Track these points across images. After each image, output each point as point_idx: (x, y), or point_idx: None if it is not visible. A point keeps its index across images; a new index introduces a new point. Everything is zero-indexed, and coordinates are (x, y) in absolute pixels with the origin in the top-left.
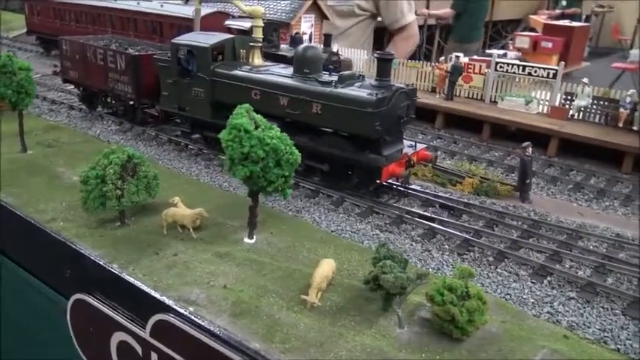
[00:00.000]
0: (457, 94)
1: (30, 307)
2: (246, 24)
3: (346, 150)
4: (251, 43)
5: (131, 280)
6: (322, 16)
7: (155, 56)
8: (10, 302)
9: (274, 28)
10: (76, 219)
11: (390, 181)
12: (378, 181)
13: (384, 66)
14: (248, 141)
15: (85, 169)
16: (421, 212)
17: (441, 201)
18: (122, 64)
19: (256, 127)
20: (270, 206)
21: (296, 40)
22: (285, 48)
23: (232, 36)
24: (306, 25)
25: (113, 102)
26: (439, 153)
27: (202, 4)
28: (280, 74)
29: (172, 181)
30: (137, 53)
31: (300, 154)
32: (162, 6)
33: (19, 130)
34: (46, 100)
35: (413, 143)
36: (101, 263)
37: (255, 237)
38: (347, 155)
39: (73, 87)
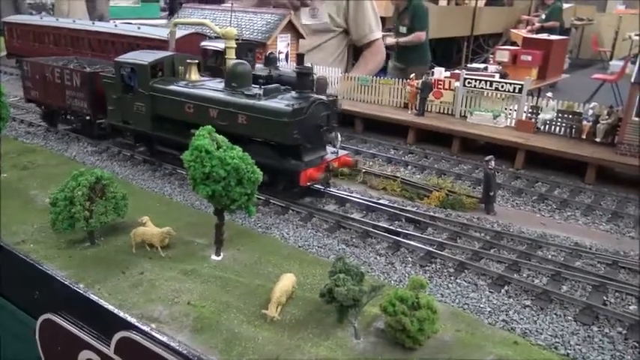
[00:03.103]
0: (429, 110)
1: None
2: (221, 45)
3: (270, 157)
4: (187, 61)
5: (96, 299)
6: (298, 35)
7: (101, 74)
8: None
9: (249, 49)
10: (47, 240)
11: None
12: (299, 185)
13: (303, 80)
14: (209, 161)
15: (54, 192)
16: (387, 226)
17: (407, 215)
18: (78, 81)
19: (218, 148)
20: (240, 224)
21: (270, 60)
22: (259, 68)
23: (172, 54)
24: (283, 45)
25: (71, 118)
26: (410, 167)
27: (178, 26)
28: (212, 88)
29: (145, 201)
30: (91, 71)
31: (262, 173)
32: (139, 28)
33: None
34: (23, 123)
35: (336, 150)
36: (67, 283)
37: (222, 254)
38: (270, 162)
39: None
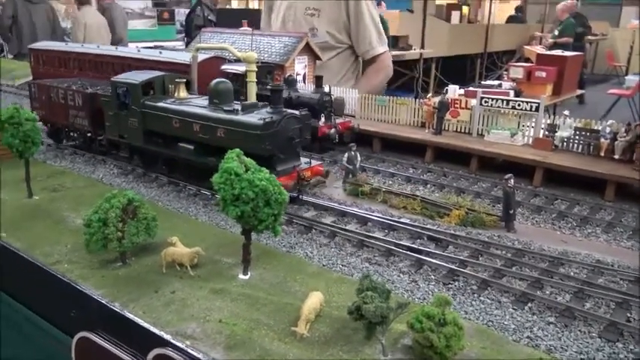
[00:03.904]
0: (446, 129)
1: (35, 346)
2: (241, 68)
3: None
4: (176, 80)
5: (132, 316)
6: (315, 57)
7: (99, 93)
8: (15, 342)
9: (268, 71)
10: (80, 260)
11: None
12: None
13: (275, 96)
14: (239, 183)
15: (88, 213)
16: (409, 244)
17: (428, 233)
18: (79, 101)
19: (246, 170)
20: (265, 243)
21: (289, 82)
22: None
23: (162, 74)
24: (300, 66)
25: (75, 135)
26: (429, 186)
27: (200, 51)
28: (196, 105)
29: (172, 221)
30: (91, 91)
31: (286, 193)
32: (160, 53)
33: (25, 177)
34: (50, 146)
35: (309, 160)
36: (104, 302)
37: (249, 273)
38: None
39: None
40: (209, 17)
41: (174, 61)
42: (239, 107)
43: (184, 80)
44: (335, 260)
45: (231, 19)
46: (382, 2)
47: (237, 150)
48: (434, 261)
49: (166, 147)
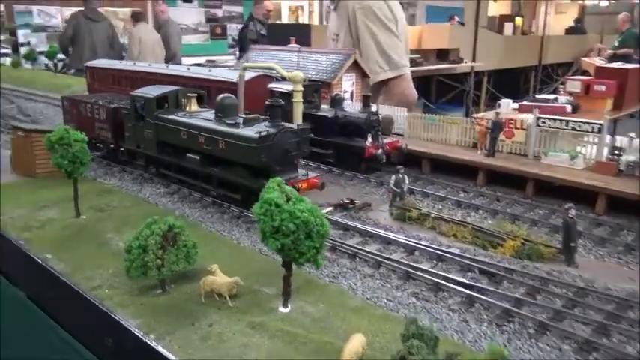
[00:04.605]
0: (499, 150)
1: None
2: (288, 86)
3: (244, 178)
4: (188, 94)
5: (165, 352)
6: (363, 74)
7: (121, 107)
8: None
9: (315, 89)
10: (121, 286)
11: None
12: None
13: (273, 110)
14: (279, 215)
15: (130, 239)
16: (459, 279)
17: (480, 266)
18: (104, 115)
19: (287, 200)
20: (307, 272)
21: (336, 101)
22: (325, 108)
23: (177, 88)
24: (348, 84)
25: (100, 146)
26: (480, 212)
27: (247, 70)
28: (203, 118)
29: (213, 245)
30: (114, 106)
31: (328, 224)
32: (210, 71)
33: (74, 197)
34: (101, 163)
35: (306, 172)
36: (139, 335)
37: (289, 305)
38: (242, 182)
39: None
40: (261, 32)
41: (222, 79)
42: (240, 121)
43: (196, 95)
44: (379, 293)
45: (281, 35)
46: (455, 16)
47: (278, 179)
48: (486, 298)
49: (176, 157)
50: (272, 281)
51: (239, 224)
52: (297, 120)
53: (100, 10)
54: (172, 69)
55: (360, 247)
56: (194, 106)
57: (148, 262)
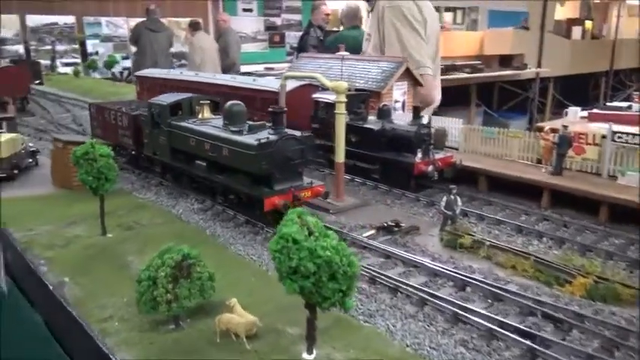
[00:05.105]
0: (567, 168)
1: None
2: (332, 96)
3: (245, 185)
4: (201, 102)
5: None
6: (416, 83)
7: (141, 114)
8: None
9: (362, 99)
10: (132, 318)
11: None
12: (265, 210)
13: (276, 117)
14: (297, 253)
15: (142, 268)
16: (517, 325)
17: (544, 309)
18: (126, 122)
19: (310, 234)
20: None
21: (383, 113)
22: (372, 120)
23: (190, 95)
24: (399, 93)
25: (123, 152)
26: (544, 240)
27: (289, 79)
28: (211, 125)
29: (238, 272)
30: (135, 113)
31: (357, 263)
32: (254, 80)
33: (100, 214)
34: (140, 175)
35: (311, 181)
36: None
37: (314, 352)
38: (244, 189)
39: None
40: (320, 38)
41: (265, 89)
42: (245, 128)
43: (208, 102)
44: (422, 339)
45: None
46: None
47: (300, 209)
48: (552, 353)
49: (187, 163)
50: (298, 319)
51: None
52: (340, 134)
53: (162, 20)
54: (217, 78)
55: (403, 280)
56: (207, 114)
57: (156, 296)
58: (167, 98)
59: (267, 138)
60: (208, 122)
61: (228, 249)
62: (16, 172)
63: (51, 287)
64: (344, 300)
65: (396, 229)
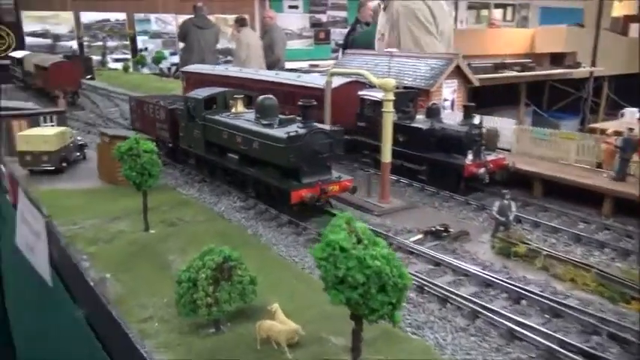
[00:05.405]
0: (631, 173)
1: None
2: (379, 94)
3: (274, 177)
4: (235, 96)
5: None
6: (466, 81)
7: (177, 107)
8: None
9: (410, 98)
10: (172, 319)
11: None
12: (292, 202)
13: (305, 111)
14: (344, 262)
15: (182, 269)
16: (579, 345)
17: (609, 328)
18: (163, 115)
19: (358, 242)
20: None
21: (433, 112)
22: (420, 119)
23: (224, 90)
24: (448, 91)
25: (161, 145)
26: (606, 251)
27: (334, 76)
28: (244, 119)
29: (281, 274)
30: (172, 107)
31: (409, 275)
32: (299, 77)
33: (142, 209)
34: (183, 171)
35: (339, 175)
36: None
37: None
38: (272, 181)
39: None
40: None
41: (309, 86)
42: (275, 121)
43: (242, 96)
44: (475, 356)
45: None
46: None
47: (348, 214)
48: None
49: (220, 156)
50: (343, 328)
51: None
52: (387, 133)
53: (209, 17)
54: (261, 74)
55: (453, 290)
56: (240, 108)
57: (196, 299)
58: (202, 92)
59: (296, 131)
60: (241, 116)
61: (270, 249)
62: (64, 165)
63: (92, 283)
64: (393, 313)
65: (445, 234)
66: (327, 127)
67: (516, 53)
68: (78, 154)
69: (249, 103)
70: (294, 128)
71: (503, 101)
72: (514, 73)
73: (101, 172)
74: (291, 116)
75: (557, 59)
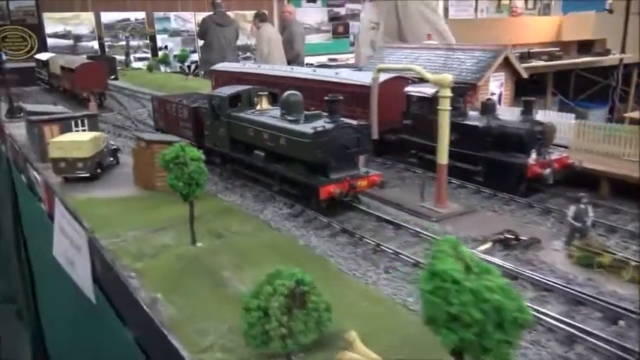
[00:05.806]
0: None
1: None
2: (427, 90)
3: (301, 174)
4: (259, 93)
5: None
6: (514, 74)
7: (200, 106)
8: None
9: (460, 93)
10: (236, 348)
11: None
12: (320, 198)
13: (332, 106)
14: (457, 296)
15: (247, 292)
16: None
17: None
18: (185, 114)
19: (466, 269)
20: None
21: (487, 107)
22: (473, 116)
23: (249, 87)
24: (495, 85)
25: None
26: None
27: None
28: (269, 115)
29: (346, 293)
30: (195, 105)
31: (529, 311)
32: (337, 73)
33: (189, 221)
34: (222, 176)
35: (367, 170)
36: None
37: None
38: (300, 178)
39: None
40: None
41: (352, 83)
42: (301, 117)
43: (266, 93)
44: None
45: None
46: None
47: (452, 238)
48: None
49: (245, 154)
50: (432, 356)
51: (375, 262)
52: (444, 132)
53: (228, 13)
54: (297, 71)
55: (539, 309)
56: (265, 104)
57: (269, 330)
58: (227, 90)
59: (323, 127)
60: (266, 113)
61: (327, 263)
62: (99, 171)
63: (145, 306)
64: (507, 354)
65: (515, 241)
66: (354, 122)
67: (542, 42)
68: (111, 158)
69: (273, 100)
70: (321, 123)
71: (528, 92)
72: (542, 63)
73: (137, 178)
74: (317, 111)
75: (584, 47)
